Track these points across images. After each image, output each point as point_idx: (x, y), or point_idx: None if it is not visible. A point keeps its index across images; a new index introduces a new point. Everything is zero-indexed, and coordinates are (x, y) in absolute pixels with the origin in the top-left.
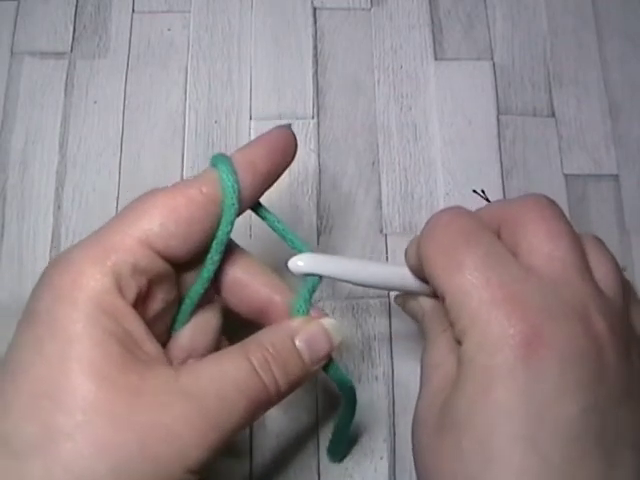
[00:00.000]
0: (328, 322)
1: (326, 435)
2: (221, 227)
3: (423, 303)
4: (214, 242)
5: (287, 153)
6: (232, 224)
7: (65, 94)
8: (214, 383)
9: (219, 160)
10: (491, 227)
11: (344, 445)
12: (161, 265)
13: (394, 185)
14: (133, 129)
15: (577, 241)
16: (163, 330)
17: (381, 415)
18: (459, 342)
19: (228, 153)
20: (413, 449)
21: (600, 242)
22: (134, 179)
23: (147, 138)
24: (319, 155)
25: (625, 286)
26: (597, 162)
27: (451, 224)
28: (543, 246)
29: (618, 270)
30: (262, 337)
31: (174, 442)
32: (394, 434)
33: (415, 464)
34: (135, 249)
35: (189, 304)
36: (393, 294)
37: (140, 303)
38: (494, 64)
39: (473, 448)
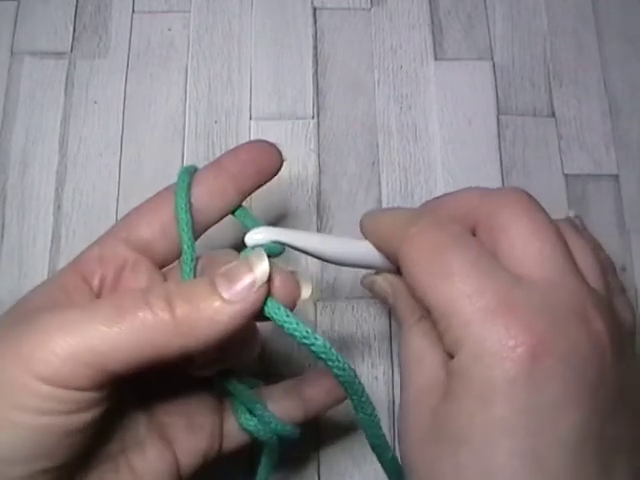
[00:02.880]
0: (256, 255)
1: (326, 435)
2: (178, 213)
3: (392, 283)
4: (178, 231)
5: (268, 164)
6: (188, 213)
7: (65, 94)
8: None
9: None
10: (466, 223)
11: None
12: (127, 252)
13: (394, 185)
14: (133, 129)
15: (560, 235)
16: None
17: (381, 415)
18: (450, 352)
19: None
20: (402, 456)
21: (574, 226)
22: (134, 179)
23: (147, 138)
24: (319, 155)
25: (604, 267)
26: (597, 162)
27: (438, 227)
28: (529, 246)
29: (598, 257)
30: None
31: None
32: (394, 434)
33: (406, 472)
34: (101, 242)
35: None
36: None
37: (110, 289)
38: (494, 64)
39: (472, 464)
